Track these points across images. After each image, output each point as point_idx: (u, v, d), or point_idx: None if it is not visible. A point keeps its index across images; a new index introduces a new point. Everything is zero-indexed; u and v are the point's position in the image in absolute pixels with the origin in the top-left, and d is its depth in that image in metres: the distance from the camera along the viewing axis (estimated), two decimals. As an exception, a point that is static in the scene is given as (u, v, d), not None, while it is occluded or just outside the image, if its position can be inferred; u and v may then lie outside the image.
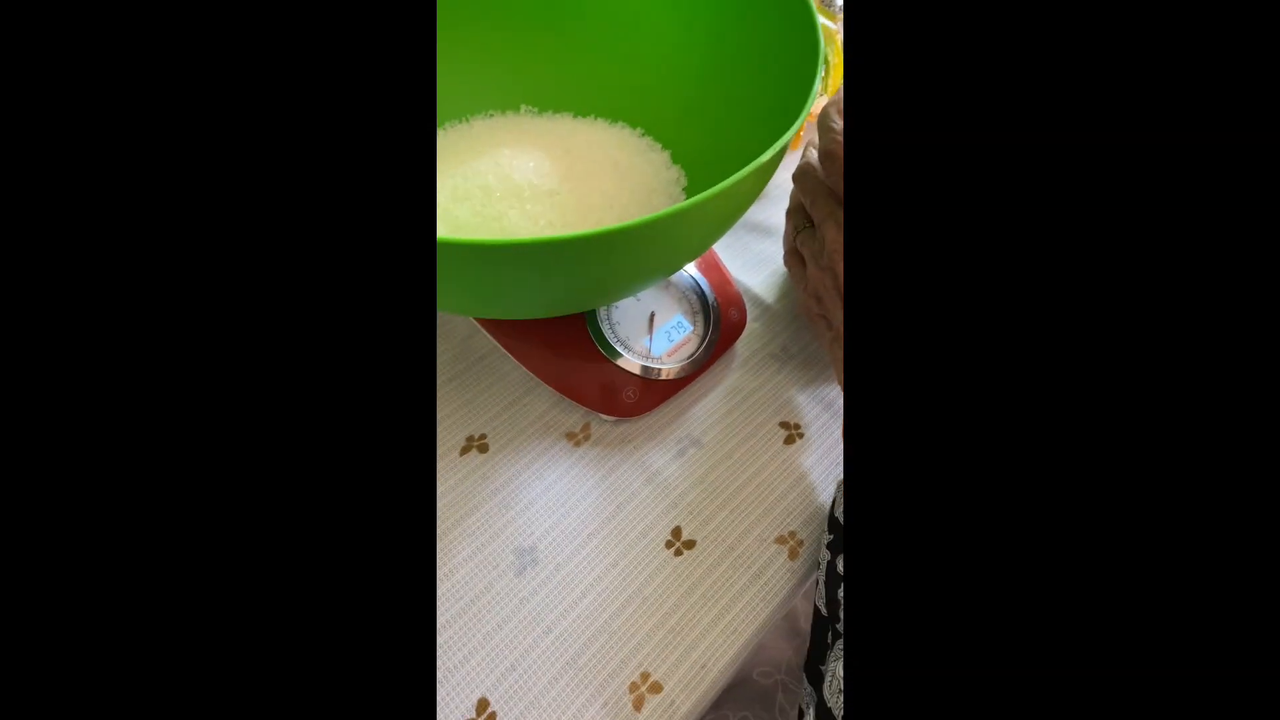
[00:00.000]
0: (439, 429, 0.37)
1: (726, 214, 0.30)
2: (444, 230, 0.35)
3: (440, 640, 0.31)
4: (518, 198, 0.35)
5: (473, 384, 0.39)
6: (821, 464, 0.38)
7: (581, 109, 0.43)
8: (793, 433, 0.39)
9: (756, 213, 0.49)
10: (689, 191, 0.39)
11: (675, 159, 0.40)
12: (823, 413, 0.40)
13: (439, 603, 0.32)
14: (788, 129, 0.28)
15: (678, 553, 0.35)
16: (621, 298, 0.37)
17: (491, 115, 0.43)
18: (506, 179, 0.35)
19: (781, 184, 0.51)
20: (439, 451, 0.37)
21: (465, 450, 0.37)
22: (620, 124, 0.42)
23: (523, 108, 0.43)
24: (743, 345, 0.42)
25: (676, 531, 0.35)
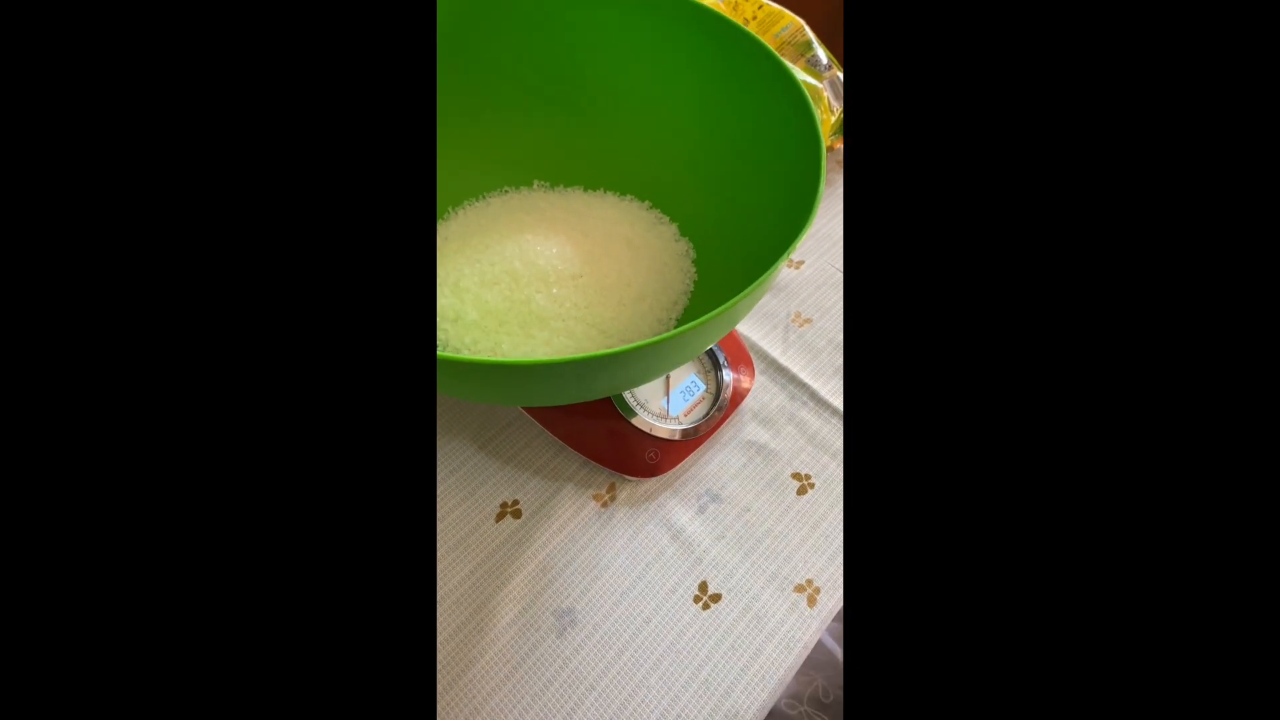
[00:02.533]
0: (473, 498, 0.40)
1: (743, 311, 0.32)
2: (475, 314, 0.37)
3: (493, 702, 0.33)
4: (544, 282, 0.37)
5: (501, 450, 0.42)
6: (832, 512, 0.41)
7: (591, 183, 0.45)
8: (804, 483, 0.42)
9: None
10: (698, 263, 0.42)
11: (683, 231, 0.43)
12: (830, 462, 0.43)
13: (490, 666, 0.34)
14: (790, 192, 0.31)
15: (705, 607, 0.37)
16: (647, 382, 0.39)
17: (506, 192, 0.45)
18: (532, 264, 0.38)
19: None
20: (475, 521, 0.39)
21: (500, 517, 0.39)
22: (629, 197, 0.45)
23: (535, 183, 0.46)
24: (752, 400, 0.45)
25: (703, 586, 0.38)
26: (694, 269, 0.42)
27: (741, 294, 0.27)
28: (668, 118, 0.42)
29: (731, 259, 0.39)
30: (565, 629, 0.36)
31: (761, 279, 0.27)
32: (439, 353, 0.23)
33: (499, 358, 0.24)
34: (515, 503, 0.40)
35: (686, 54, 0.40)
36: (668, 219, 0.44)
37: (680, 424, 0.41)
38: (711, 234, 0.42)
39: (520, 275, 0.37)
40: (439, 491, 0.40)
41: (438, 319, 0.38)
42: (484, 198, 0.45)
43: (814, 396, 0.46)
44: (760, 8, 0.59)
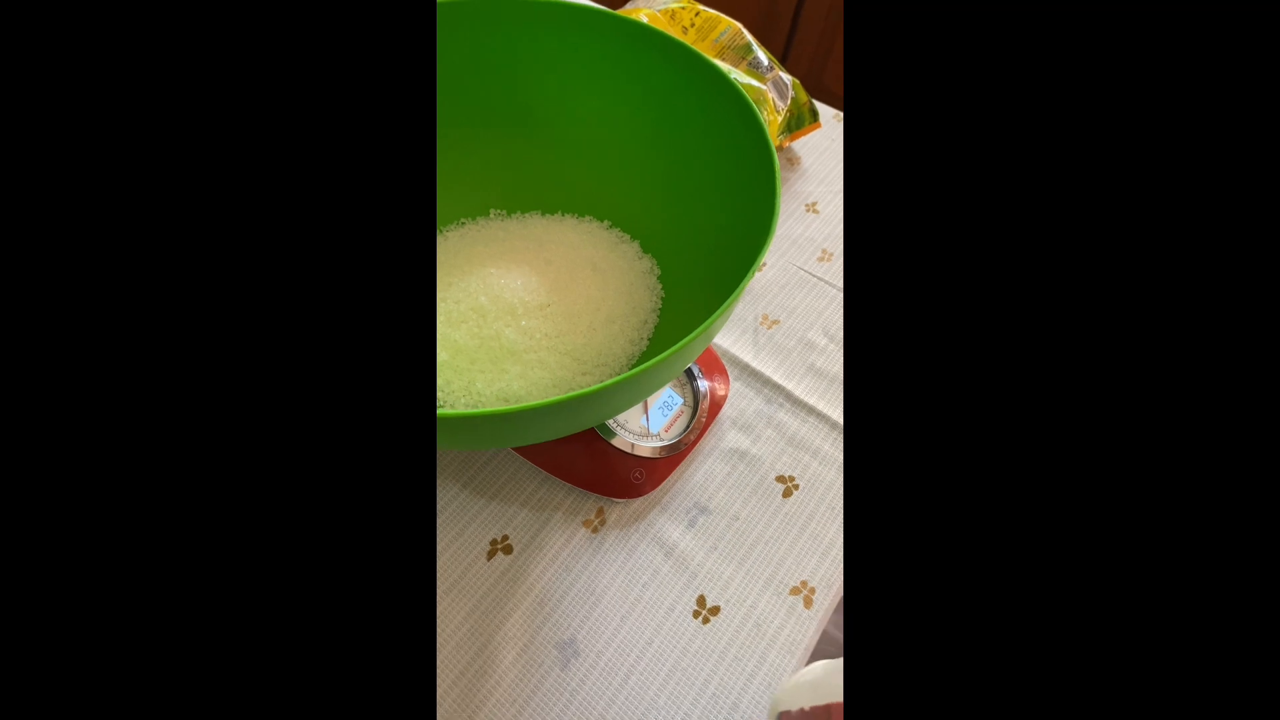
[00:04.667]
0: (462, 538, 0.39)
1: (717, 329, 0.33)
2: (445, 354, 0.37)
3: (504, 745, 0.33)
4: (512, 315, 0.37)
5: (486, 487, 0.41)
6: (819, 511, 0.42)
7: (548, 207, 0.45)
8: (789, 485, 0.42)
9: (720, 274, 0.52)
10: (664, 279, 0.42)
11: (645, 248, 0.43)
12: (811, 461, 0.43)
13: (498, 709, 0.34)
14: (746, 200, 0.32)
15: (705, 621, 0.37)
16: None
17: (463, 224, 0.45)
18: (498, 299, 0.37)
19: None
20: (467, 561, 0.39)
21: (492, 554, 0.39)
22: (588, 218, 0.44)
23: (492, 212, 0.45)
24: (730, 407, 0.46)
25: (701, 600, 0.38)
26: (660, 285, 0.42)
27: (716, 314, 0.27)
28: (619, 135, 0.42)
29: (696, 272, 0.40)
30: (569, 660, 0.36)
31: (736, 293, 0.28)
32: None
33: (479, 409, 0.23)
34: (505, 538, 0.40)
35: (631, 71, 0.40)
36: (629, 237, 0.44)
37: (662, 440, 0.41)
38: (673, 248, 0.42)
39: (487, 310, 0.37)
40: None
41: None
42: (441, 233, 0.44)
43: (789, 397, 0.46)
44: (697, 14, 0.59)
